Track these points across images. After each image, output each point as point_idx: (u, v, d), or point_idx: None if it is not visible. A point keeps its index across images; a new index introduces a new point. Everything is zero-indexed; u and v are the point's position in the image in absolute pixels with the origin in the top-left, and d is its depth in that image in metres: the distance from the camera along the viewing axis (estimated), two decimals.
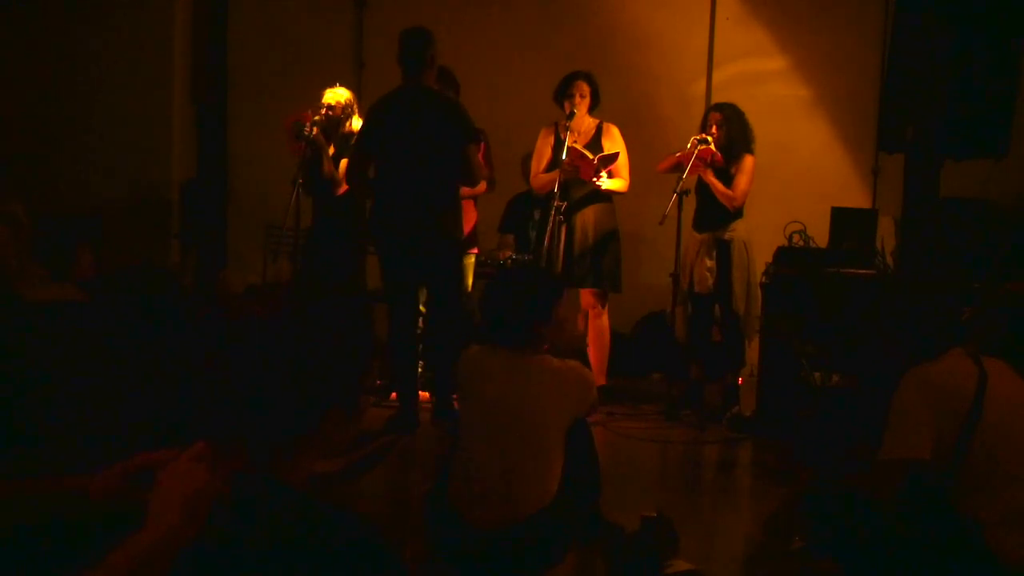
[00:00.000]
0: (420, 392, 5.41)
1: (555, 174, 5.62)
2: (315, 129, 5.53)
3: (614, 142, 5.83)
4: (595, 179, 5.69)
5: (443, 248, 5.17)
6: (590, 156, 5.65)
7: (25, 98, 6.94)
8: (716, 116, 5.72)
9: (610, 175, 5.75)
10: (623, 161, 5.80)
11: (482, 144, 5.94)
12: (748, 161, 5.66)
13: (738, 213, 5.71)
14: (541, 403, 3.21)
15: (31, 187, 6.05)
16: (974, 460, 2.75)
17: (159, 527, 1.31)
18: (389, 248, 5.25)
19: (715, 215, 5.70)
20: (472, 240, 5.94)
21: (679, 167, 5.61)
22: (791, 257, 5.43)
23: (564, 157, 5.59)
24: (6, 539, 1.73)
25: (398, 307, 5.26)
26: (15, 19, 7.05)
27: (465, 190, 5.42)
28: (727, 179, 5.66)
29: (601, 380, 5.80)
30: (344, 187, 5.59)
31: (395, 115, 5.15)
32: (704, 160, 5.58)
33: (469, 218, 5.83)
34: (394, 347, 5.26)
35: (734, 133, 5.65)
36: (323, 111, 5.61)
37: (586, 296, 5.93)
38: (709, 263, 5.68)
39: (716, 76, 7.05)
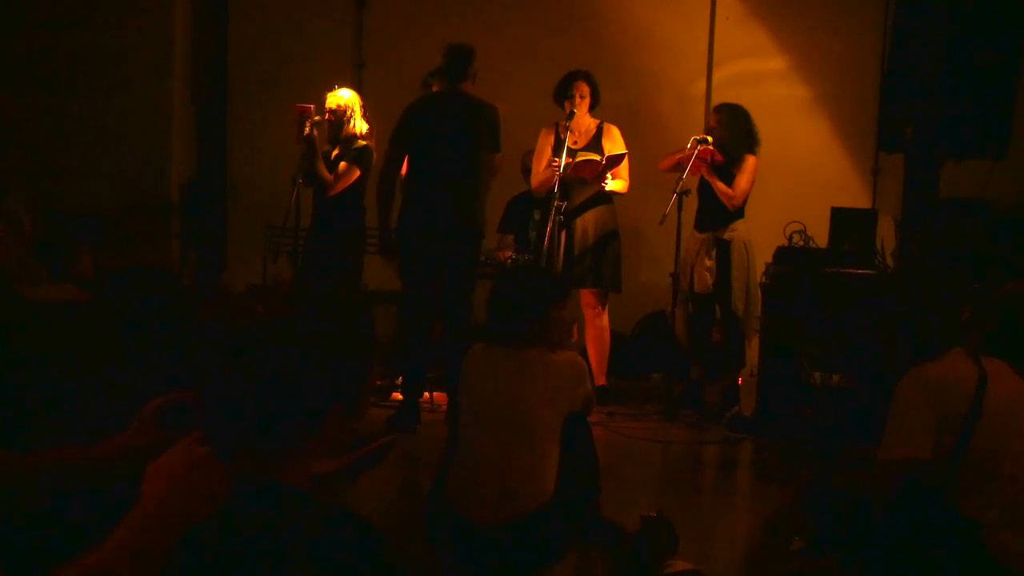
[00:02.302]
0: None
1: (553, 171, 5.62)
2: (314, 131, 5.54)
3: (614, 142, 5.83)
4: (603, 183, 5.72)
5: (466, 239, 5.31)
6: (596, 158, 5.66)
7: (25, 98, 6.94)
8: (715, 117, 5.73)
9: (612, 176, 5.76)
10: (623, 162, 5.80)
11: None
12: (750, 161, 5.67)
13: (739, 213, 5.72)
14: (534, 395, 3.22)
15: (32, 187, 6.05)
16: (974, 460, 2.75)
17: (150, 501, 1.31)
18: (416, 240, 5.31)
19: (716, 215, 5.71)
20: None
21: (680, 166, 5.61)
22: (791, 257, 5.43)
23: (566, 163, 5.61)
24: (19, 515, 1.73)
25: (414, 304, 5.29)
26: (15, 19, 7.04)
27: None
28: (729, 179, 5.66)
29: (601, 380, 5.81)
30: (337, 189, 5.61)
31: (435, 115, 5.34)
32: (705, 160, 5.59)
33: None
34: (407, 343, 5.29)
35: (736, 134, 5.65)
36: (326, 115, 5.63)
37: (586, 296, 5.93)
38: (709, 263, 5.69)
39: (716, 76, 7.05)
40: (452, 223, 5.29)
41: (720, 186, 5.64)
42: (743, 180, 5.65)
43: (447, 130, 5.32)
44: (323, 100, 5.69)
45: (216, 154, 7.47)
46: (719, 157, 5.61)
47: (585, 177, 5.74)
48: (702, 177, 5.72)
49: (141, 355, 2.58)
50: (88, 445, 1.75)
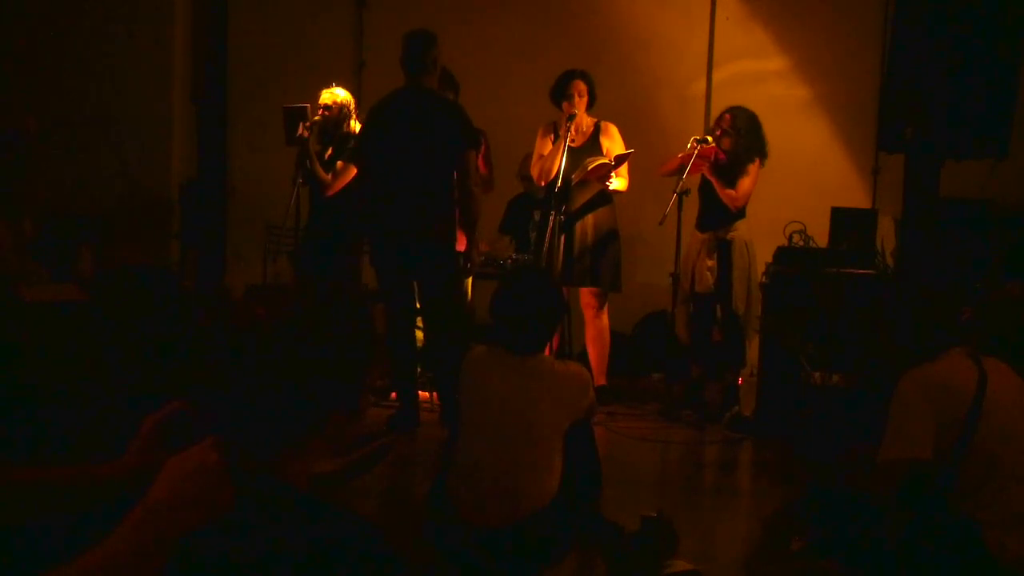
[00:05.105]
0: (420, 392, 5.43)
1: (558, 153, 5.61)
2: (307, 132, 5.51)
3: (612, 140, 5.83)
4: (607, 182, 5.73)
5: (438, 251, 5.15)
6: (606, 161, 5.67)
7: (25, 98, 6.94)
8: (729, 118, 5.69)
9: (615, 174, 5.77)
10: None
11: (482, 144, 5.94)
12: (753, 167, 5.65)
13: (740, 213, 5.71)
14: (539, 403, 3.23)
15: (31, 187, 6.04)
16: (974, 460, 2.75)
17: (154, 497, 1.31)
18: (383, 249, 5.25)
19: (718, 215, 5.70)
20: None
21: (681, 168, 5.60)
22: (791, 257, 5.43)
23: (580, 170, 5.62)
24: (19, 527, 1.73)
25: (394, 307, 5.26)
26: (15, 19, 7.05)
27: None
28: (732, 181, 5.64)
29: (601, 380, 5.81)
30: (334, 189, 5.59)
31: (393, 116, 5.14)
32: (707, 158, 5.58)
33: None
34: (392, 346, 5.27)
35: (749, 139, 5.63)
36: (320, 112, 5.59)
37: (586, 296, 5.93)
38: (709, 262, 5.68)
39: (716, 76, 7.05)
40: (419, 235, 5.07)
41: (722, 188, 5.63)
42: (747, 182, 5.64)
43: (409, 132, 5.06)
44: (316, 98, 5.65)
45: (216, 154, 7.47)
46: (722, 156, 5.60)
47: (591, 179, 5.74)
48: (703, 177, 5.72)
49: (140, 355, 2.58)
50: (89, 464, 1.75)
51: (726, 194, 5.62)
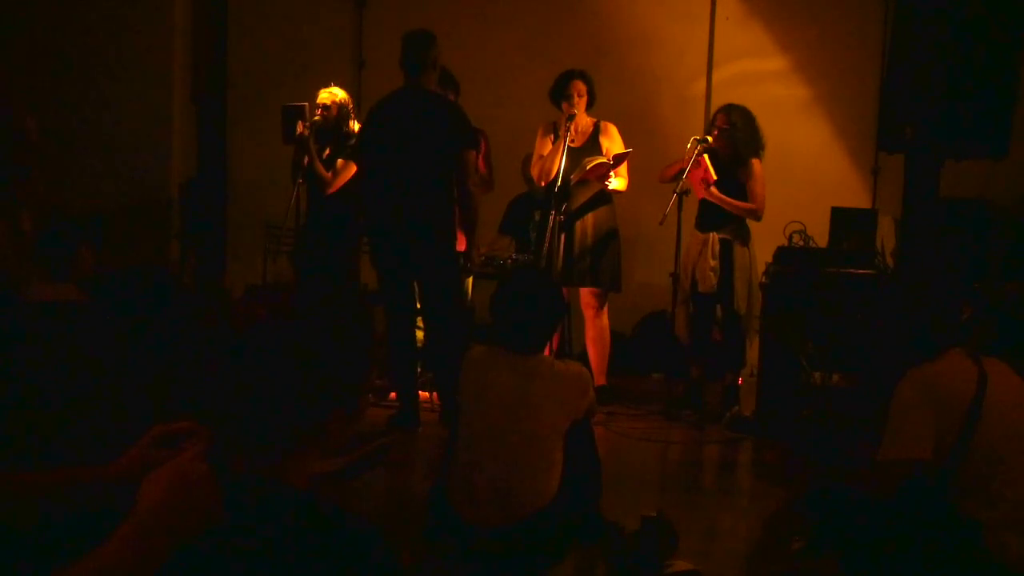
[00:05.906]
0: (419, 392, 5.43)
1: (557, 153, 5.61)
2: (307, 130, 5.50)
3: (612, 140, 5.83)
4: (606, 182, 5.73)
5: (438, 251, 5.16)
6: (604, 160, 5.67)
7: (25, 99, 6.94)
8: (724, 117, 5.68)
9: (614, 174, 5.77)
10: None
11: (482, 144, 5.94)
12: (757, 166, 5.64)
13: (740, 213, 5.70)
14: (539, 403, 3.23)
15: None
16: (974, 460, 2.75)
17: (143, 511, 1.30)
18: (383, 249, 5.26)
19: (718, 215, 5.70)
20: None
21: (680, 173, 5.60)
22: (791, 257, 5.43)
23: (578, 170, 5.62)
24: (20, 532, 1.73)
25: (394, 307, 5.27)
26: (14, 19, 7.05)
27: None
28: (734, 183, 5.63)
29: (601, 380, 5.81)
30: (335, 187, 5.58)
31: (392, 116, 5.15)
32: (706, 182, 5.56)
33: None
34: (392, 346, 5.27)
35: (746, 136, 5.62)
36: (319, 112, 5.59)
37: (586, 296, 5.93)
38: (712, 262, 5.68)
39: (716, 76, 7.05)
40: (418, 235, 5.08)
41: (737, 204, 5.60)
42: (758, 187, 5.62)
43: (408, 131, 5.07)
44: (313, 97, 5.65)
45: (216, 154, 7.47)
46: (711, 177, 5.57)
47: (590, 178, 5.74)
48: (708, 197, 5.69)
49: (140, 355, 2.58)
50: (91, 465, 1.75)
51: (747, 210, 5.59)
